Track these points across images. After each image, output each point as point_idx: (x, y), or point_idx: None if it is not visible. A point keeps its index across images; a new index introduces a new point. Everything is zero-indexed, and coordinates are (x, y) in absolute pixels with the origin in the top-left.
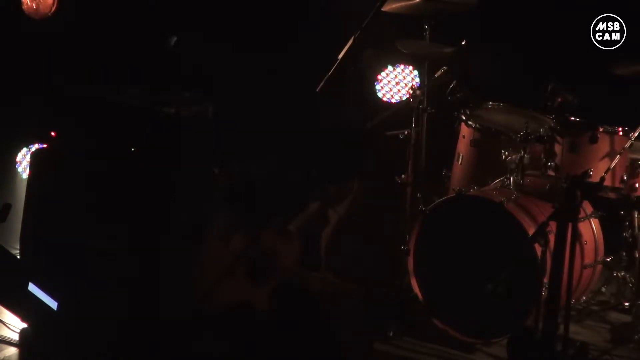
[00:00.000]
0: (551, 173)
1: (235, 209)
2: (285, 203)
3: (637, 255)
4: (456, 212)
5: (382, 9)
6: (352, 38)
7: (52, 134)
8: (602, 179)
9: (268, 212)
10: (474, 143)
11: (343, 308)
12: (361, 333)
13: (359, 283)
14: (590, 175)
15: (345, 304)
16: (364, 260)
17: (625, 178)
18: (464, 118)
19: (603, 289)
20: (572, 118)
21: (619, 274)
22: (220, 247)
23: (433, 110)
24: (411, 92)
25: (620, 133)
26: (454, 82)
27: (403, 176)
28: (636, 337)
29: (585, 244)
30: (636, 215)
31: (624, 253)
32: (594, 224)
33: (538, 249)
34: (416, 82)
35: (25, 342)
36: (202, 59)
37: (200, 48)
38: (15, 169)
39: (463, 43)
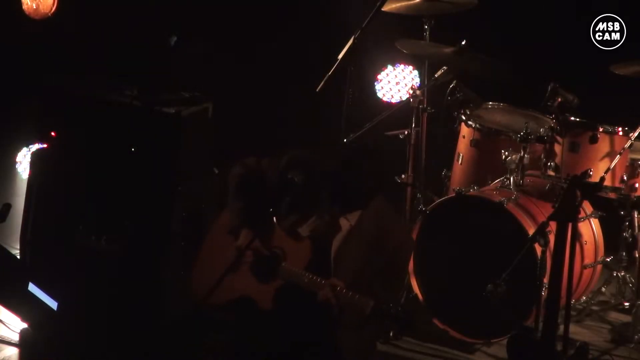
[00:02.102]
0: (551, 173)
1: (249, 203)
2: (299, 206)
3: (637, 255)
4: (456, 212)
5: (382, 9)
6: (352, 38)
7: (52, 134)
8: (602, 179)
9: (280, 213)
10: (474, 143)
11: (348, 318)
12: (365, 340)
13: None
14: (590, 175)
15: (351, 315)
16: (372, 271)
17: (625, 178)
18: (464, 118)
19: (603, 289)
20: (572, 118)
21: (619, 274)
22: (227, 240)
23: (433, 110)
24: (411, 92)
25: (620, 133)
26: (454, 82)
27: (403, 176)
28: (636, 337)
29: (585, 244)
30: (636, 215)
31: (624, 253)
32: (594, 224)
33: (538, 249)
34: (416, 82)
35: (25, 342)
36: (202, 59)
37: (200, 48)
38: (15, 169)
39: (463, 43)
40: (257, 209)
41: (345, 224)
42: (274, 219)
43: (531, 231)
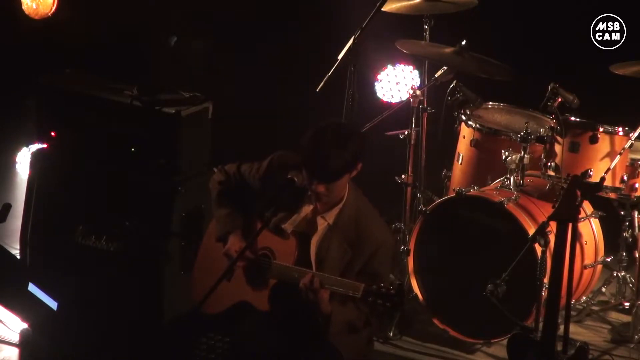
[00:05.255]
0: (551, 173)
1: (233, 209)
2: (279, 203)
3: (637, 255)
4: (456, 212)
5: (382, 9)
6: (352, 38)
7: (52, 134)
8: (602, 179)
9: (263, 212)
10: (474, 143)
11: (342, 309)
12: (362, 337)
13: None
14: (590, 175)
15: (346, 307)
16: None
17: (625, 178)
18: (464, 118)
19: (603, 289)
20: (572, 118)
21: (619, 274)
22: (217, 247)
23: (433, 110)
24: (411, 92)
25: (620, 133)
26: (454, 82)
27: (403, 176)
28: (636, 337)
29: (585, 244)
30: (636, 215)
31: (624, 253)
32: (594, 224)
33: (538, 249)
34: (416, 82)
35: (25, 342)
36: (202, 58)
37: (200, 48)
38: (15, 169)
39: (463, 43)
40: (241, 213)
41: (322, 223)
42: (259, 221)
43: (531, 231)
